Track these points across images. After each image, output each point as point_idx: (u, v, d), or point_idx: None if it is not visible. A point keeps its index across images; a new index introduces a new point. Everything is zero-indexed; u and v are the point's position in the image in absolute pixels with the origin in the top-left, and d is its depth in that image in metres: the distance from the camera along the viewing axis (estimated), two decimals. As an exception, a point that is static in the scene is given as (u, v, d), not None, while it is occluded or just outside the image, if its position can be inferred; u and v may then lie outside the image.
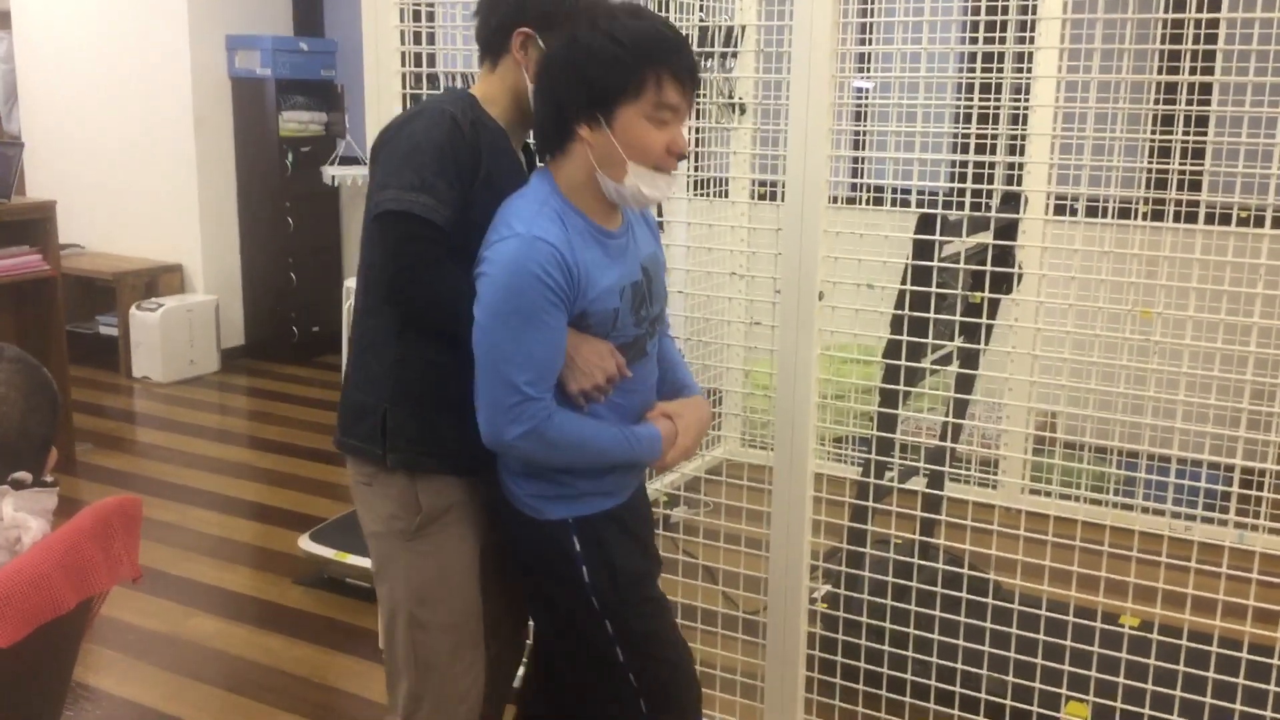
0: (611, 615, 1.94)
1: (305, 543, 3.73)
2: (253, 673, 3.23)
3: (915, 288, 2.46)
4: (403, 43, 2.86)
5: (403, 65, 2.88)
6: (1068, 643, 2.38)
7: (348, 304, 6.03)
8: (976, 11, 4.62)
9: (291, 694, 3.12)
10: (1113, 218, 4.02)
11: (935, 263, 2.46)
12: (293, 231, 6.51)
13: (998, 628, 2.45)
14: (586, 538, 1.92)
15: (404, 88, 2.89)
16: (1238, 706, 2.24)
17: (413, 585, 2.02)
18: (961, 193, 4.41)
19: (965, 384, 3.13)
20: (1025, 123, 4.28)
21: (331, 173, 6.45)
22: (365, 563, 3.50)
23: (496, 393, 1.78)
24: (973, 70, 4.31)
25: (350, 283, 6.10)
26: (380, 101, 2.89)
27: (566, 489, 1.91)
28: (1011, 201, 3.70)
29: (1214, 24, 3.91)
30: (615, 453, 1.90)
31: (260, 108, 6.36)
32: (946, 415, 3.16)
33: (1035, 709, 2.51)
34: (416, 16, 2.86)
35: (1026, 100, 4.21)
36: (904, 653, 2.55)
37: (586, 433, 1.86)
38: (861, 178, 5.04)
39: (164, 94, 6.31)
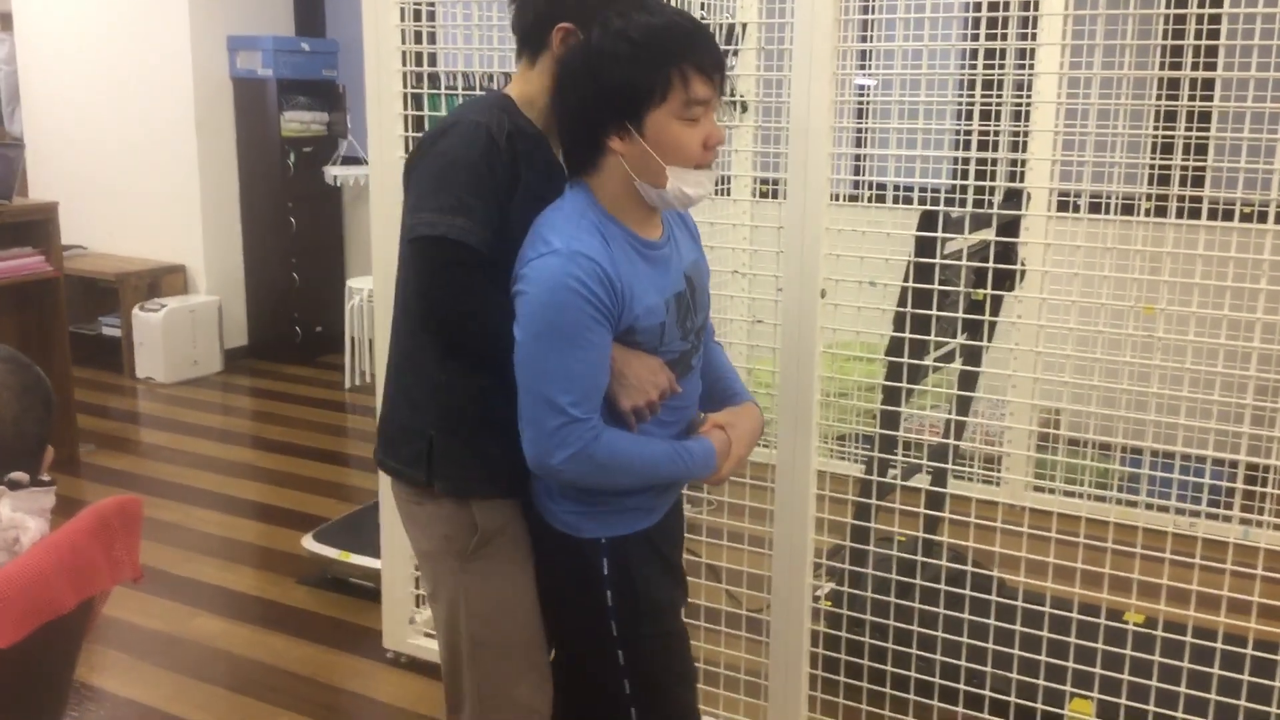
0: (626, 645, 1.88)
1: (309, 542, 3.73)
2: (256, 673, 3.23)
3: (918, 285, 2.45)
4: (403, 42, 2.86)
5: (404, 65, 2.87)
6: (1072, 639, 2.37)
7: (351, 303, 6.04)
8: (978, 7, 4.62)
9: (295, 694, 3.12)
10: (1116, 214, 4.01)
11: (938, 260, 2.45)
12: (295, 232, 6.51)
13: (1002, 625, 2.44)
14: (616, 560, 1.85)
15: (405, 87, 2.88)
16: (1242, 703, 2.23)
17: (473, 606, 1.95)
18: (964, 189, 4.40)
19: (968, 381, 3.12)
20: (1027, 119, 4.27)
21: (334, 173, 6.45)
22: (369, 562, 3.50)
23: (540, 416, 1.70)
24: (974, 66, 4.30)
25: (354, 282, 6.11)
26: (381, 101, 2.89)
27: (603, 506, 1.84)
28: (1014, 198, 3.69)
29: (1216, 19, 3.90)
30: (667, 470, 1.82)
31: (262, 108, 6.36)
32: (950, 412, 3.15)
33: (1040, 706, 2.51)
34: (417, 16, 2.86)
35: (1029, 96, 4.20)
36: (908, 650, 2.54)
37: (636, 451, 1.78)
38: (864, 175, 5.03)
39: (165, 95, 6.31)
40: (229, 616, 3.57)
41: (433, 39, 2.93)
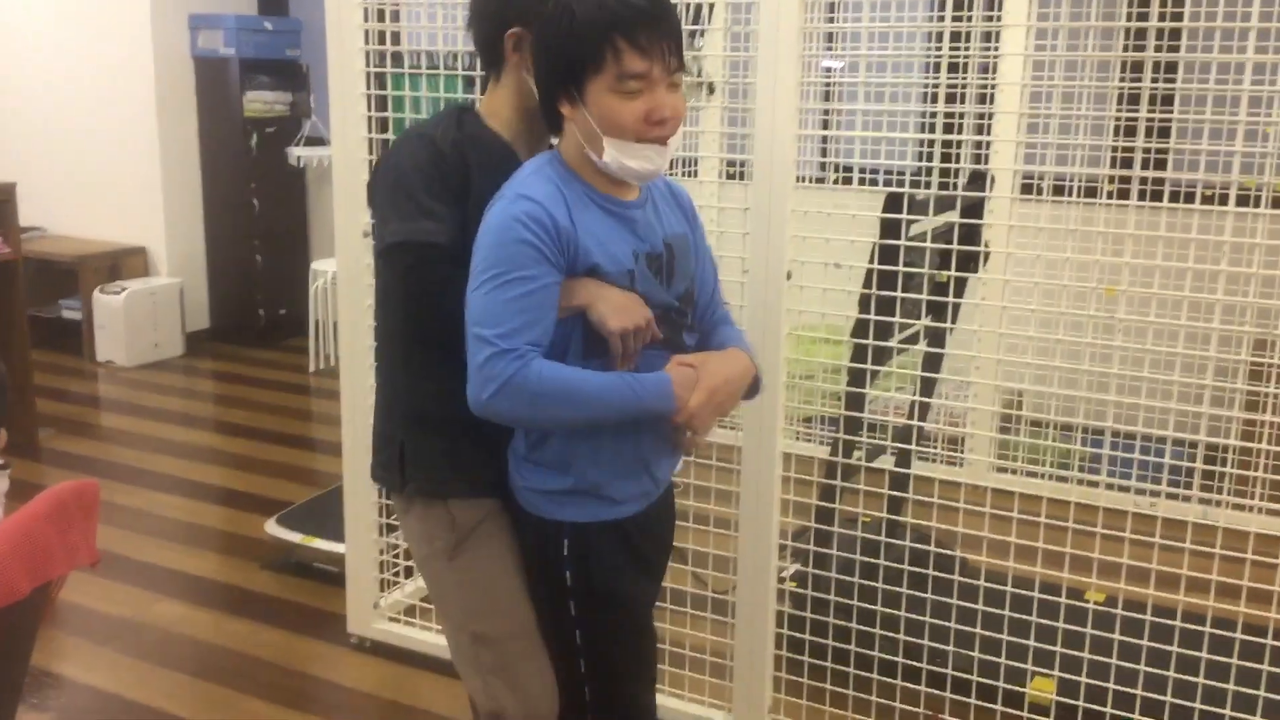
0: (583, 625, 1.89)
1: (272, 527, 3.70)
2: (220, 658, 3.21)
3: (883, 267, 2.46)
4: (366, 20, 2.83)
5: (366, 43, 2.84)
6: (1033, 618, 2.40)
7: (315, 286, 5.99)
8: (944, -10, 4.62)
9: (259, 679, 3.10)
10: (1079, 196, 4.04)
11: (902, 242, 2.46)
12: (258, 213, 6.45)
13: (964, 604, 2.46)
14: (576, 544, 1.85)
15: (368, 65, 2.85)
16: (1200, 680, 2.26)
17: (465, 602, 1.97)
18: (929, 172, 4.42)
19: (932, 363, 3.14)
20: (992, 102, 4.29)
21: (297, 153, 6.39)
22: (333, 546, 3.48)
23: (474, 353, 1.69)
24: (940, 49, 4.31)
25: (318, 264, 6.06)
26: (343, 80, 2.86)
27: (567, 481, 1.82)
28: (978, 180, 3.71)
29: (1179, 2, 3.93)
30: (614, 396, 1.73)
31: (224, 88, 6.28)
32: (914, 394, 3.17)
33: (1001, 684, 2.53)
34: (380, -6, 2.83)
35: (993, 79, 4.22)
36: (872, 630, 2.56)
37: (574, 377, 1.72)
38: (830, 157, 5.03)
39: (125, 74, 6.22)
40: (191, 602, 3.54)
41: (396, 17, 2.89)
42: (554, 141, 1.88)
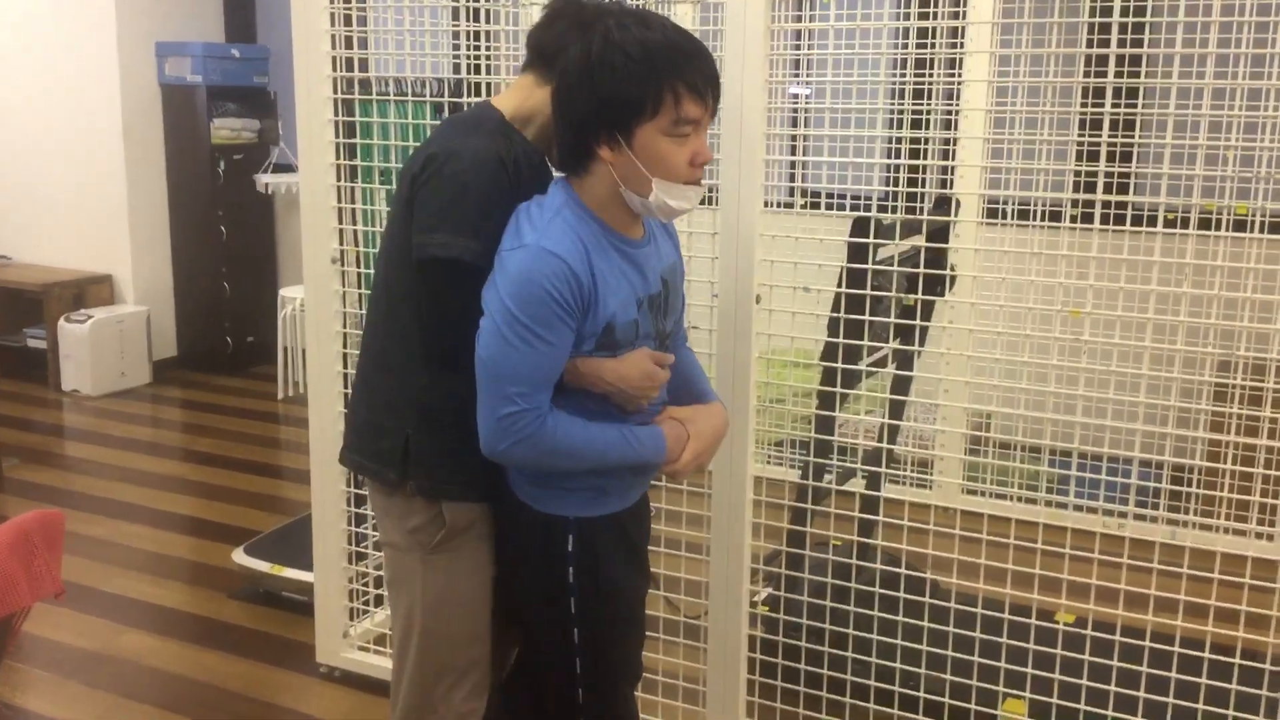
0: (582, 624, 1.90)
1: (240, 556, 3.67)
2: (188, 690, 3.17)
3: (851, 290, 2.47)
4: (334, 47, 2.83)
5: (334, 70, 2.84)
6: (1004, 640, 2.40)
7: (283, 313, 5.96)
8: (908, 17, 4.67)
9: (227, 710, 3.06)
10: (1043, 220, 4.08)
11: (870, 265, 2.48)
12: (226, 240, 6.42)
13: (936, 626, 2.47)
14: (583, 540, 1.88)
15: (335, 93, 2.85)
16: (1170, 700, 2.27)
17: (428, 597, 1.98)
18: (895, 196, 4.45)
19: (901, 386, 3.15)
20: (957, 127, 4.33)
21: (265, 180, 6.37)
22: (302, 575, 3.45)
23: (492, 404, 1.75)
24: (905, 75, 4.36)
25: (286, 291, 6.03)
26: (311, 107, 2.86)
27: (567, 480, 1.87)
28: (944, 205, 3.74)
29: (1140, 29, 3.99)
30: (615, 454, 1.83)
31: (191, 115, 6.26)
32: (883, 417, 3.18)
33: (973, 706, 2.53)
34: (348, 21, 2.83)
35: (958, 105, 4.26)
36: (844, 653, 2.56)
37: (584, 436, 1.80)
38: (798, 182, 5.07)
39: (92, 102, 6.20)
40: (158, 633, 3.50)
41: (364, 44, 2.90)
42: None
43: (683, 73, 1.69)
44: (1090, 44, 3.98)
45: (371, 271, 2.97)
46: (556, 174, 1.88)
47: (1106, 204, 4.02)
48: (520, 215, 1.80)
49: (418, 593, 1.99)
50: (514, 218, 1.80)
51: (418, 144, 2.89)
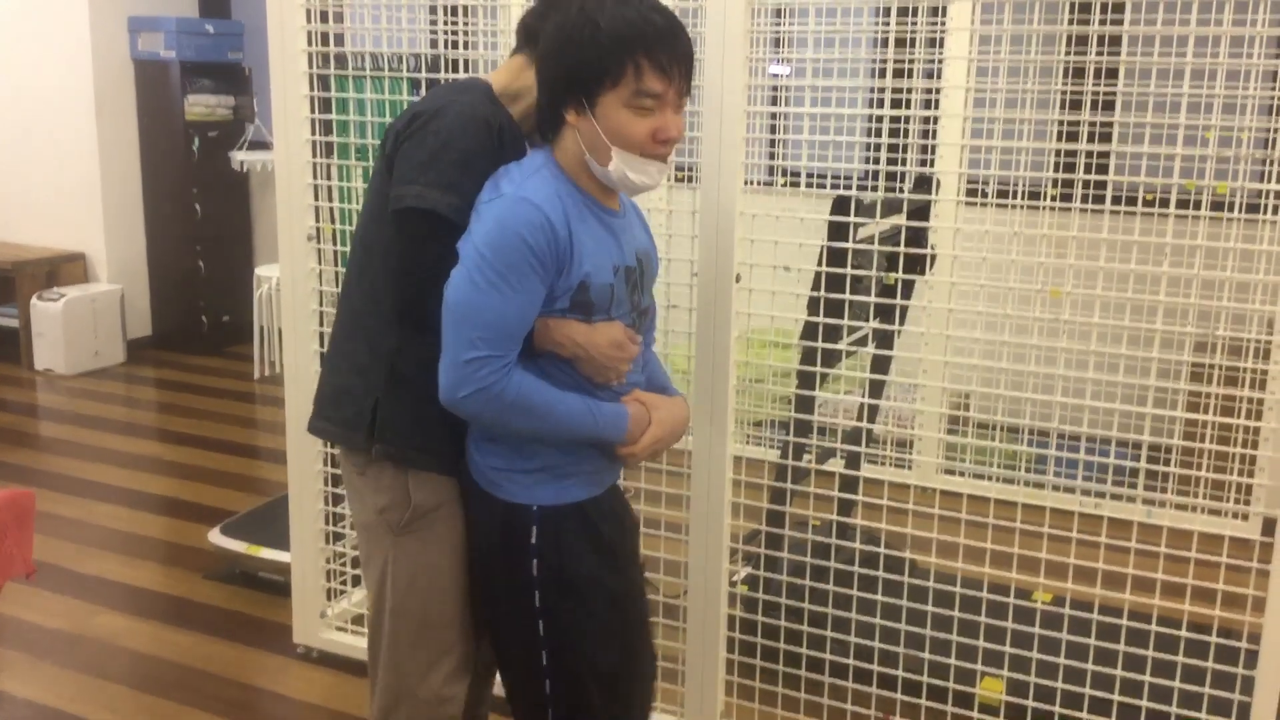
0: (546, 616, 1.88)
1: (216, 537, 3.64)
2: (162, 670, 3.15)
3: (831, 269, 2.47)
4: (309, 21, 2.79)
5: (309, 45, 2.81)
6: (982, 619, 2.41)
7: (259, 292, 5.92)
8: (889, -4, 4.66)
9: (203, 691, 3.05)
10: (1023, 200, 4.08)
11: (850, 244, 2.47)
12: (201, 218, 6.36)
13: (914, 606, 2.47)
14: (546, 530, 1.86)
15: (311, 68, 2.82)
16: (1147, 678, 2.29)
17: (398, 577, 1.97)
18: (875, 175, 4.45)
19: (881, 365, 3.15)
20: (937, 106, 4.32)
21: (240, 158, 6.31)
22: (278, 556, 3.43)
23: (458, 349, 1.73)
24: (886, 54, 4.34)
25: (262, 270, 5.98)
26: (286, 83, 2.82)
27: (530, 462, 1.85)
28: (924, 184, 3.73)
29: (1120, 7, 3.98)
30: (574, 422, 1.82)
31: (165, 91, 6.19)
32: (863, 397, 3.18)
33: (951, 685, 2.54)
34: (323, -5, 2.79)
35: (938, 84, 4.25)
36: (823, 632, 2.56)
37: (546, 397, 1.79)
38: (778, 161, 5.05)
39: (63, 77, 6.12)
40: (133, 613, 3.47)
41: (340, 19, 2.86)
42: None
43: (647, 46, 1.72)
44: (1071, 24, 3.97)
45: (348, 249, 2.96)
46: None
47: (1086, 184, 4.03)
48: (499, 174, 1.81)
49: (388, 572, 1.98)
50: (492, 177, 1.81)
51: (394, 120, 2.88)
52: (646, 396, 1.94)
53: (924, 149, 4.46)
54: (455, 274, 1.75)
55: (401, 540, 1.96)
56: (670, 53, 1.74)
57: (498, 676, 2.13)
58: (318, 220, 2.89)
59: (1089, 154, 4.16)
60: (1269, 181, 4.01)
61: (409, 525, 1.95)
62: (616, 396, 1.91)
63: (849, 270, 2.44)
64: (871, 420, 3.17)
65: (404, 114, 1.91)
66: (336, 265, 2.91)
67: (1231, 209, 3.93)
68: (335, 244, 2.92)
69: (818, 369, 2.57)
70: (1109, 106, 4.09)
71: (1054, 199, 4.06)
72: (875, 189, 4.34)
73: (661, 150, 1.78)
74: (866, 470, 3.21)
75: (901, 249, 2.55)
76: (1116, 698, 2.33)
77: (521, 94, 1.93)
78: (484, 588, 1.98)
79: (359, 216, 2.00)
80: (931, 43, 4.31)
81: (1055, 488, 3.90)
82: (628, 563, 2.05)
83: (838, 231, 2.47)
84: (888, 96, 4.09)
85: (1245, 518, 4.05)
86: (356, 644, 3.11)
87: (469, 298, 1.72)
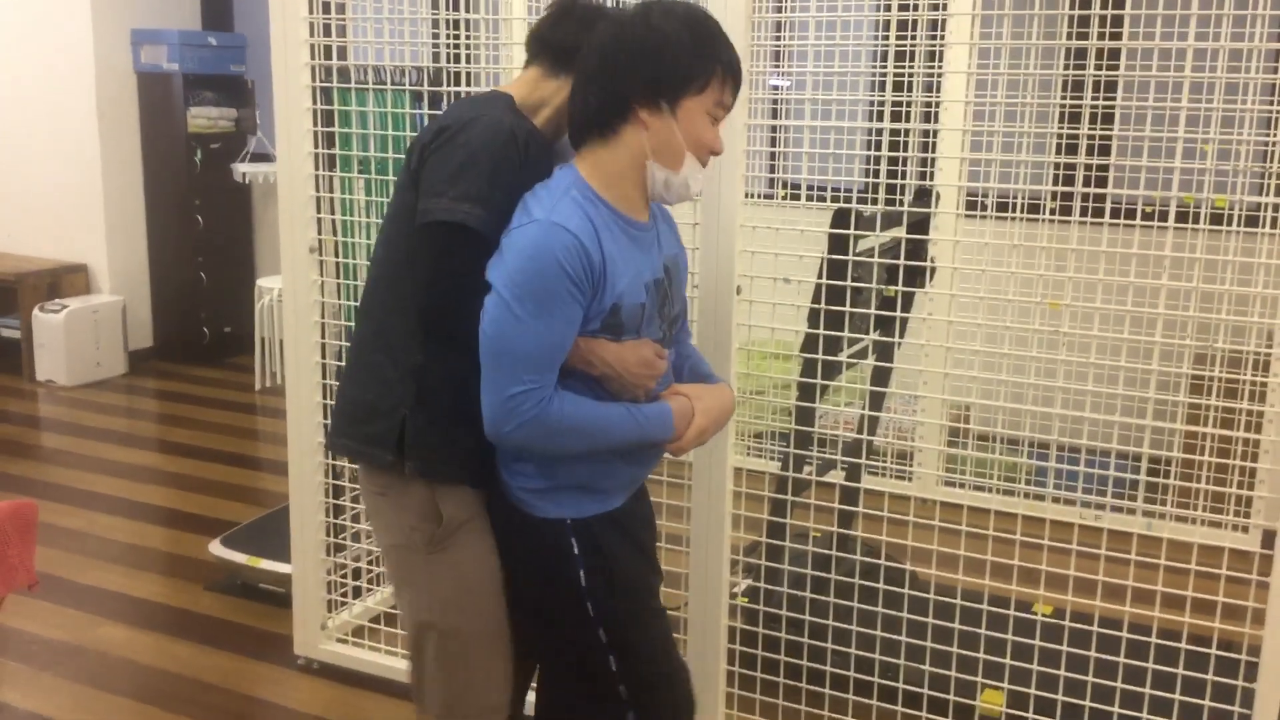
0: (606, 622, 1.88)
1: (216, 548, 3.64)
2: (164, 682, 3.15)
3: (831, 282, 2.47)
4: (312, 35, 2.80)
5: (312, 58, 2.82)
6: (982, 631, 2.41)
7: (260, 303, 5.93)
8: (888, 9, 4.67)
9: (204, 703, 3.05)
10: (1022, 212, 4.09)
11: (850, 257, 2.48)
12: (202, 230, 6.38)
13: (914, 618, 2.47)
14: (585, 540, 1.86)
15: (314, 81, 2.83)
16: (1147, 690, 2.29)
17: (438, 595, 1.94)
18: (875, 188, 4.46)
19: (881, 377, 3.16)
20: (937, 119, 4.34)
21: (242, 170, 6.32)
22: (279, 567, 3.43)
23: (501, 385, 1.72)
24: (885, 68, 4.36)
25: (263, 281, 5.99)
26: (288, 95, 2.83)
27: (560, 480, 1.85)
28: (924, 197, 3.75)
29: (1118, 21, 4.00)
30: (622, 431, 1.82)
31: (167, 103, 6.21)
32: (863, 408, 3.18)
33: (952, 697, 2.54)
34: (326, 8, 2.80)
35: (938, 97, 4.27)
36: (823, 645, 2.56)
37: (590, 414, 1.79)
38: (778, 173, 5.07)
39: (66, 89, 6.13)
40: (134, 625, 3.47)
41: (342, 31, 2.88)
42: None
43: (732, 60, 1.78)
44: (1070, 37, 3.99)
45: (351, 261, 2.97)
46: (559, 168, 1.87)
47: (1085, 197, 4.04)
48: (527, 198, 1.79)
49: (425, 593, 1.96)
50: (521, 202, 1.79)
51: (396, 133, 2.89)
52: (687, 388, 1.94)
53: (924, 162, 4.47)
54: (492, 306, 1.73)
55: (436, 557, 1.93)
56: (738, 75, 1.80)
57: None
58: (320, 232, 2.90)
59: (1088, 167, 4.17)
60: (1267, 194, 4.02)
61: (441, 541, 1.92)
62: (655, 395, 1.90)
63: (849, 283, 2.45)
64: (872, 432, 3.17)
65: (429, 127, 1.89)
66: (339, 277, 2.92)
67: (1230, 222, 3.94)
68: (337, 256, 2.93)
69: (818, 381, 2.57)
70: (1108, 119, 4.10)
71: (1053, 212, 4.08)
72: (875, 202, 4.36)
73: (709, 160, 1.84)
74: (867, 482, 3.22)
75: (901, 261, 2.55)
76: (1116, 710, 2.33)
77: (541, 104, 1.93)
78: (532, 616, 1.96)
79: (379, 230, 1.98)
80: (931, 56, 4.32)
81: (1055, 500, 3.91)
82: (658, 565, 2.07)
83: (838, 244, 2.48)
84: (887, 110, 4.11)
85: (1245, 530, 4.05)
86: (357, 656, 3.11)
87: (509, 330, 1.71)
